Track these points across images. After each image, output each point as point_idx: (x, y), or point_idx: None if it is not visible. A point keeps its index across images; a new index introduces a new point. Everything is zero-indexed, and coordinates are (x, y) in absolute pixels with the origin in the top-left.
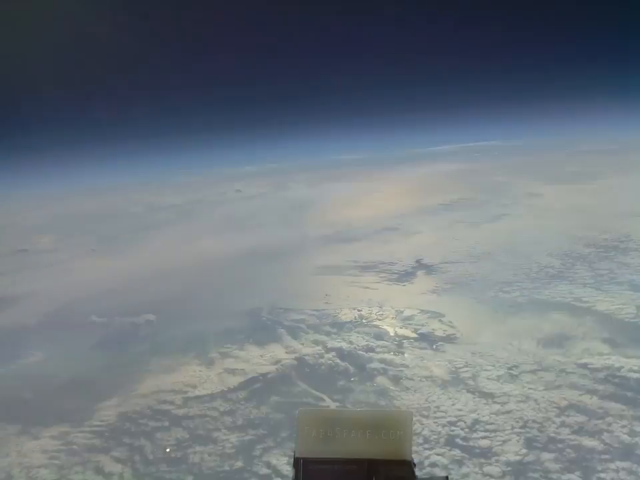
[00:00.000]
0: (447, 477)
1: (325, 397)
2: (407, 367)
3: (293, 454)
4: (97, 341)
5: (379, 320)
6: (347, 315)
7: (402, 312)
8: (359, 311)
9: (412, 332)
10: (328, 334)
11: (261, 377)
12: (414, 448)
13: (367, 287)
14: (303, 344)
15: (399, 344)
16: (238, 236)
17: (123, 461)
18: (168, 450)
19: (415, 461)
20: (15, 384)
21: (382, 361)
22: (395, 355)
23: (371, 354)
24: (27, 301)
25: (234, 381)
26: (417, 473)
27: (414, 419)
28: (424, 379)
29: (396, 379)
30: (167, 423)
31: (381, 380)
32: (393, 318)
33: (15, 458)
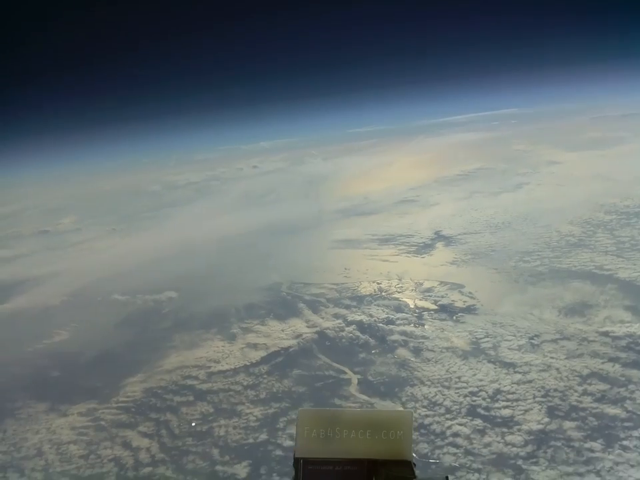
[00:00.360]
0: (446, 477)
1: (346, 370)
2: (427, 338)
3: (292, 454)
4: (121, 319)
5: (399, 292)
6: (366, 288)
7: (421, 284)
8: (378, 283)
9: (432, 304)
10: (348, 307)
11: (282, 351)
12: (415, 447)
13: (386, 260)
14: (323, 318)
15: (419, 316)
16: (255, 212)
17: (150, 436)
18: (193, 424)
19: (415, 460)
20: (42, 363)
21: (402, 333)
22: (415, 326)
23: (391, 326)
24: (50, 281)
25: (256, 355)
26: (417, 472)
27: (414, 418)
28: (445, 350)
29: (417, 351)
30: (191, 398)
31: (402, 352)
32: (412, 290)
33: (44, 435)
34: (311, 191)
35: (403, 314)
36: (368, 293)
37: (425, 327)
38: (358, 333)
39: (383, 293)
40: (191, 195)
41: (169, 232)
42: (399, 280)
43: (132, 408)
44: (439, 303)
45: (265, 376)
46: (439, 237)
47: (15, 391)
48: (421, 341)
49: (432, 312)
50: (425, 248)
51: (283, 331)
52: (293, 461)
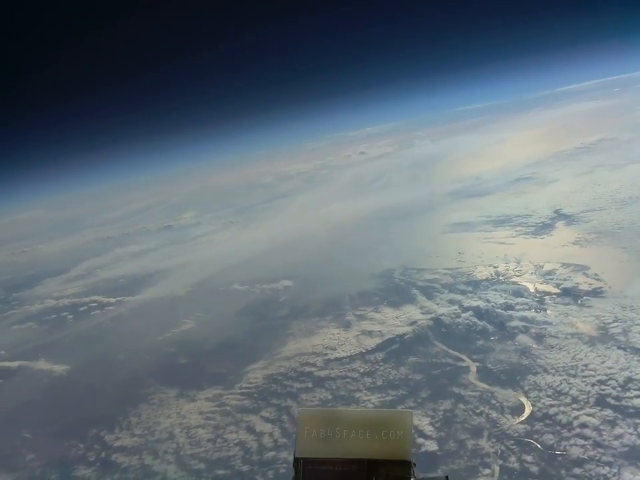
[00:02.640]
0: (446, 477)
1: (463, 357)
2: (550, 324)
3: (293, 454)
4: (241, 308)
5: (517, 276)
6: (482, 273)
7: (542, 266)
8: (494, 267)
9: (554, 287)
10: (463, 293)
11: (397, 338)
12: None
13: (502, 242)
14: (438, 304)
15: (541, 300)
16: (366, 198)
17: (272, 421)
18: None
19: (414, 461)
20: (172, 350)
21: (522, 318)
22: (537, 312)
23: (511, 312)
24: (175, 273)
25: (371, 342)
26: (417, 473)
27: (413, 418)
28: (569, 336)
29: (539, 337)
30: (310, 384)
31: (523, 338)
32: (532, 273)
33: (175, 419)
34: (420, 174)
35: (523, 299)
36: (484, 278)
37: (547, 312)
38: (475, 319)
39: (500, 277)
40: (302, 185)
41: (283, 222)
42: (517, 263)
43: (254, 394)
44: (562, 286)
45: (381, 363)
46: (559, 215)
47: (148, 378)
48: (543, 326)
49: (554, 296)
50: (544, 228)
51: (397, 317)
52: (293, 461)
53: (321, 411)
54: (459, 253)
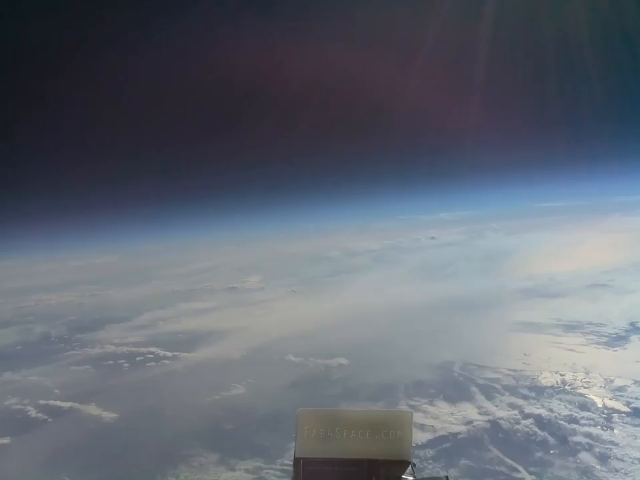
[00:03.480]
0: (446, 477)
1: (519, 468)
2: (616, 445)
3: (292, 454)
4: (292, 380)
5: (585, 388)
6: (547, 379)
7: (612, 381)
8: (561, 375)
9: (624, 405)
10: (525, 398)
11: (450, 437)
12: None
13: (572, 349)
14: (497, 406)
15: (608, 417)
16: (431, 284)
17: None
18: None
19: (414, 461)
20: (219, 414)
21: (587, 435)
22: (603, 429)
23: (575, 426)
24: (233, 335)
25: (422, 437)
26: (417, 473)
27: (413, 418)
28: (637, 462)
29: (603, 458)
30: None
31: (585, 457)
32: (601, 387)
33: None
34: (491, 267)
35: (589, 413)
36: (549, 385)
37: (615, 431)
38: (535, 429)
39: (567, 387)
40: (368, 263)
41: (345, 298)
42: (586, 374)
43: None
44: (632, 405)
45: (430, 461)
46: (635, 329)
47: (192, 438)
48: (608, 447)
49: (623, 415)
50: (617, 340)
51: (452, 414)
52: (292, 461)
53: (321, 410)
54: (525, 354)
